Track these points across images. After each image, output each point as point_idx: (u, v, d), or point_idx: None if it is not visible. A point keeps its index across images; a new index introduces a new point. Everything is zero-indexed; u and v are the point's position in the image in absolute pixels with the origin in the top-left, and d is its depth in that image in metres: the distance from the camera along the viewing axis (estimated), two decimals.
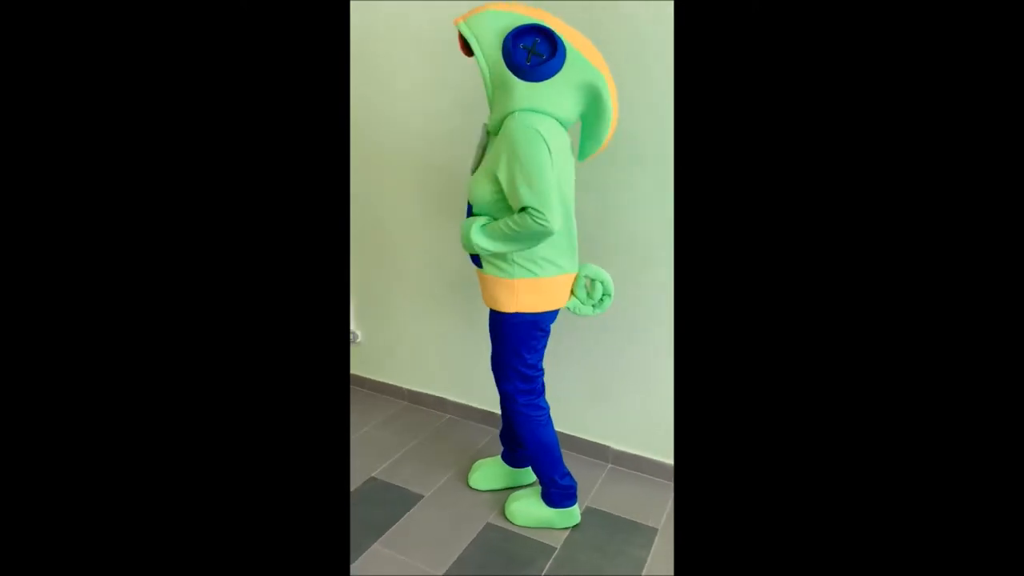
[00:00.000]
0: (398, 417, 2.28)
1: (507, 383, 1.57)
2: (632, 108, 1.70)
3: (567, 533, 1.66)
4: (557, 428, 2.07)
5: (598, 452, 2.01)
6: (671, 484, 1.90)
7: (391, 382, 2.42)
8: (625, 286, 1.84)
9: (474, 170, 1.43)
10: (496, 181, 1.34)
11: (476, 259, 1.49)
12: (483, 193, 1.38)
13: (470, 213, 1.47)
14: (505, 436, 1.82)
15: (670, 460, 1.90)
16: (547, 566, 1.53)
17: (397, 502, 1.77)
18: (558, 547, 1.60)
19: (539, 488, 1.73)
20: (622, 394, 1.93)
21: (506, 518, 1.70)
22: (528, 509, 1.68)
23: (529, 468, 1.84)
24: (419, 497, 1.80)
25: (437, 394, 2.31)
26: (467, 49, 1.35)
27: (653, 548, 1.61)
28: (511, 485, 1.84)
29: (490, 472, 1.84)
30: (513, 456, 1.82)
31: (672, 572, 1.53)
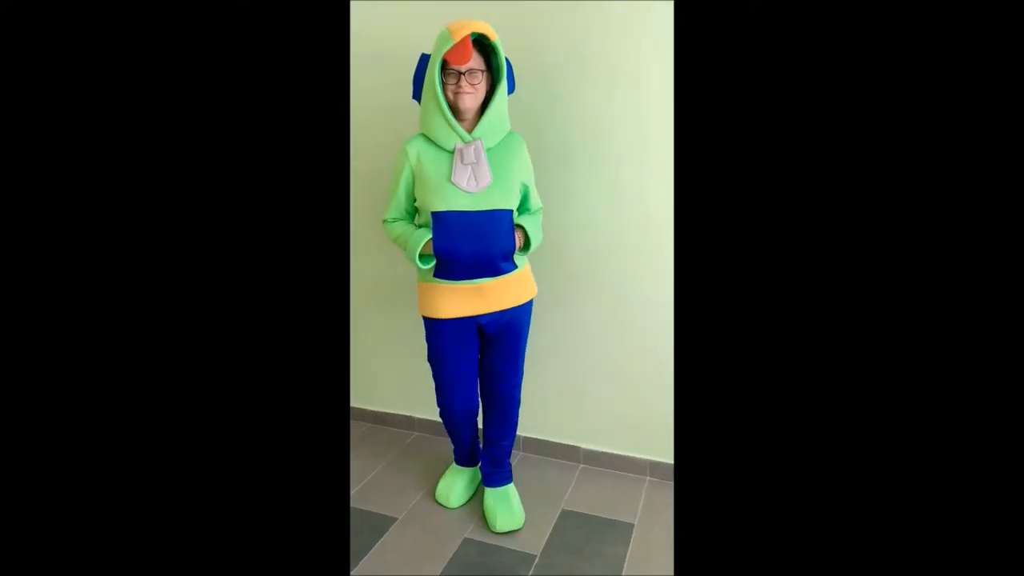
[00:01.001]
0: (363, 440, 2.23)
1: (522, 372, 1.69)
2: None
3: (546, 538, 1.65)
4: (528, 434, 2.07)
5: (569, 454, 2.02)
6: (643, 478, 1.92)
7: (353, 405, 2.36)
8: (589, 286, 1.85)
9: (468, 184, 1.42)
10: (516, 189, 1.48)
11: (507, 267, 1.49)
12: (515, 201, 1.48)
13: (480, 224, 1.42)
14: (467, 451, 1.81)
15: (641, 455, 1.92)
16: (529, 574, 1.52)
17: (370, 529, 1.73)
18: (538, 554, 1.60)
19: (495, 488, 1.74)
20: (589, 394, 1.94)
21: (496, 532, 1.68)
22: (512, 507, 1.69)
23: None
24: (392, 520, 1.76)
25: (402, 412, 2.27)
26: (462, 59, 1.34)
27: (631, 544, 1.63)
28: (476, 486, 1.86)
29: (460, 484, 1.82)
30: (472, 455, 1.82)
31: (650, 566, 1.54)
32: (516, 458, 2.05)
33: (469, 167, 1.41)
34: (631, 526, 1.70)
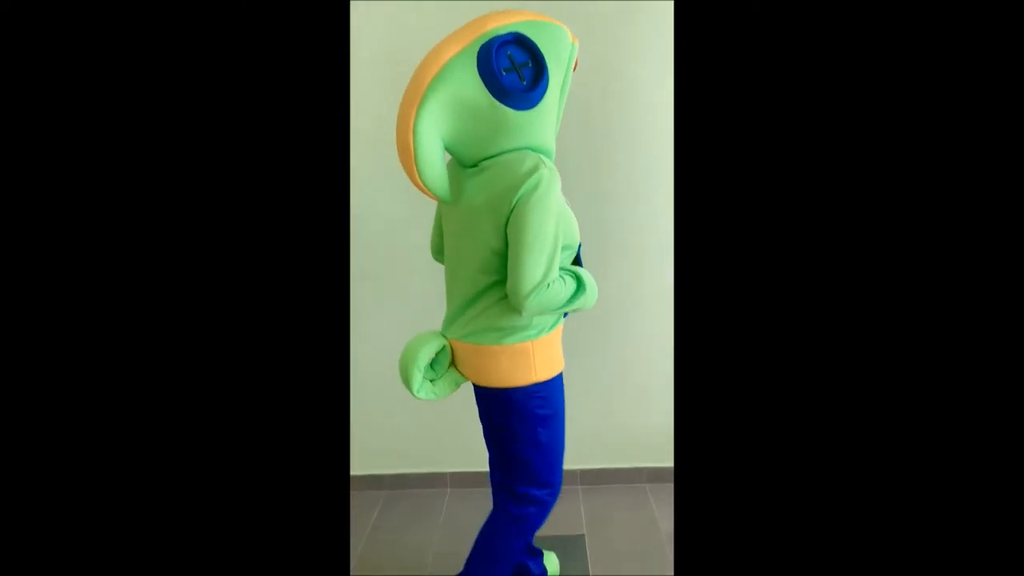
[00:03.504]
0: None
1: None
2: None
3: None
4: (456, 468, 2.00)
5: None
6: (576, 487, 1.97)
7: None
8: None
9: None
10: None
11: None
12: None
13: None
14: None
15: (571, 465, 1.97)
16: None
17: None
18: None
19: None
20: None
21: None
22: None
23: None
24: None
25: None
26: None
27: (588, 554, 1.66)
28: None
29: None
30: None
31: (611, 569, 1.59)
32: (446, 495, 1.97)
33: None
34: (582, 536, 1.73)
